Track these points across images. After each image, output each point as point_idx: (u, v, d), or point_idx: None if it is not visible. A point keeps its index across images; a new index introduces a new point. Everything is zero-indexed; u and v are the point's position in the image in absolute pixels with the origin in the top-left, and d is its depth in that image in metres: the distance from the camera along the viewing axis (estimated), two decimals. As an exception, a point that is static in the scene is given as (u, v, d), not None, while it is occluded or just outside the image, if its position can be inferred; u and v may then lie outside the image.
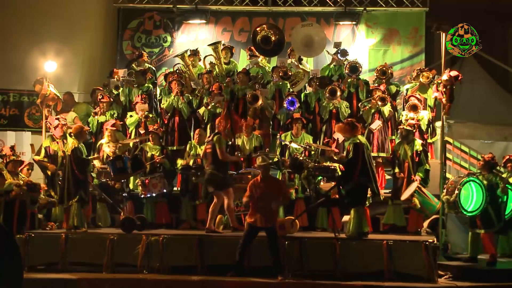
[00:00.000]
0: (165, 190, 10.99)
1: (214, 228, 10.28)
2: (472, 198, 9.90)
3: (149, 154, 11.45)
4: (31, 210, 10.59)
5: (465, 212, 9.83)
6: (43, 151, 11.56)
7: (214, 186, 10.28)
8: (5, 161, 10.93)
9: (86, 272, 9.65)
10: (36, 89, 12.39)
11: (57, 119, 11.79)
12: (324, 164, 10.67)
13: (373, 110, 11.85)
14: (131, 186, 11.52)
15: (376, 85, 12.35)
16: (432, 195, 10.55)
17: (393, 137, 12.09)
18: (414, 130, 11.24)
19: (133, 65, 13.38)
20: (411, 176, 10.75)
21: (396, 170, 10.89)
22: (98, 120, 12.18)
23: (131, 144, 11.78)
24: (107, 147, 11.24)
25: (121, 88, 12.81)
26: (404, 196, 10.52)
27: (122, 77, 12.69)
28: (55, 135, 11.53)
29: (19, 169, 11.02)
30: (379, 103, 11.72)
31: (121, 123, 12.09)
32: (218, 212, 10.61)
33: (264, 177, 9.58)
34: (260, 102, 11.73)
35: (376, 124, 11.61)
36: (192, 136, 11.99)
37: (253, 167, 10.84)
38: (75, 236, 10.07)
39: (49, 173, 11.44)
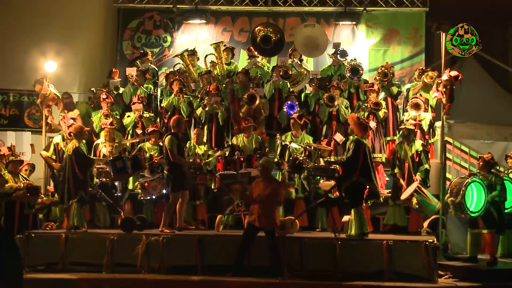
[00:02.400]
0: (164, 191, 10.97)
1: (185, 224, 10.36)
2: (472, 198, 9.91)
3: (147, 154, 11.47)
4: (28, 213, 10.58)
5: (469, 213, 9.83)
6: (52, 147, 11.60)
7: (169, 188, 10.33)
8: (4, 162, 10.90)
9: (86, 272, 9.64)
10: (36, 89, 12.37)
11: (73, 119, 11.80)
12: (323, 164, 10.70)
13: (367, 112, 11.87)
14: (130, 186, 11.52)
15: (370, 84, 12.35)
16: (432, 195, 10.56)
17: (395, 137, 12.10)
18: (415, 130, 11.25)
19: (137, 62, 13.36)
20: (412, 176, 10.78)
21: (396, 170, 10.89)
22: (101, 121, 12.21)
23: (128, 144, 11.80)
24: (103, 147, 11.25)
25: (122, 89, 12.83)
26: (404, 196, 10.54)
27: (134, 75, 12.69)
28: (66, 134, 11.51)
29: (20, 168, 11.00)
30: (374, 107, 11.75)
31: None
32: (218, 212, 10.64)
33: (263, 178, 9.58)
34: (257, 102, 11.72)
35: (371, 125, 11.64)
36: (191, 136, 11.97)
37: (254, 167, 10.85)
38: (75, 236, 10.06)
39: (55, 171, 11.46)
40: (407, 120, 11.50)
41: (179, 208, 10.26)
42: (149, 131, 11.64)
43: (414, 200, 10.43)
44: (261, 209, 9.35)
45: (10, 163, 10.78)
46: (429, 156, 11.79)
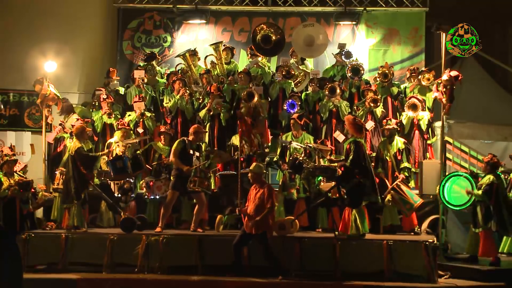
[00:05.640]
0: None
1: (199, 228, 10.37)
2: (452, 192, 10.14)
3: (157, 154, 11.50)
4: (25, 209, 10.56)
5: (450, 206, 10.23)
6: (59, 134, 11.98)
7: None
8: (0, 161, 10.87)
9: (86, 272, 9.65)
10: (36, 89, 12.39)
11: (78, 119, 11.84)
12: (323, 164, 10.69)
13: (365, 112, 11.87)
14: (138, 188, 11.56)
15: (368, 85, 12.38)
16: (412, 194, 10.55)
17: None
18: (398, 129, 11.26)
19: (153, 62, 13.42)
20: (394, 174, 10.79)
21: (379, 170, 10.87)
22: (103, 120, 12.24)
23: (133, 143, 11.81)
24: (117, 146, 11.24)
25: (121, 88, 12.83)
26: (385, 194, 10.55)
27: (139, 77, 12.72)
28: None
29: (15, 169, 10.93)
30: (371, 104, 11.78)
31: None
32: (218, 212, 10.65)
33: (255, 183, 9.59)
34: (255, 99, 11.72)
35: (369, 125, 11.67)
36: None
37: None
38: (75, 236, 10.08)
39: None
40: (390, 119, 11.50)
41: (196, 212, 10.37)
42: (160, 131, 11.76)
43: (388, 197, 10.43)
44: (248, 215, 9.41)
45: (5, 164, 10.71)
46: (428, 156, 11.84)
